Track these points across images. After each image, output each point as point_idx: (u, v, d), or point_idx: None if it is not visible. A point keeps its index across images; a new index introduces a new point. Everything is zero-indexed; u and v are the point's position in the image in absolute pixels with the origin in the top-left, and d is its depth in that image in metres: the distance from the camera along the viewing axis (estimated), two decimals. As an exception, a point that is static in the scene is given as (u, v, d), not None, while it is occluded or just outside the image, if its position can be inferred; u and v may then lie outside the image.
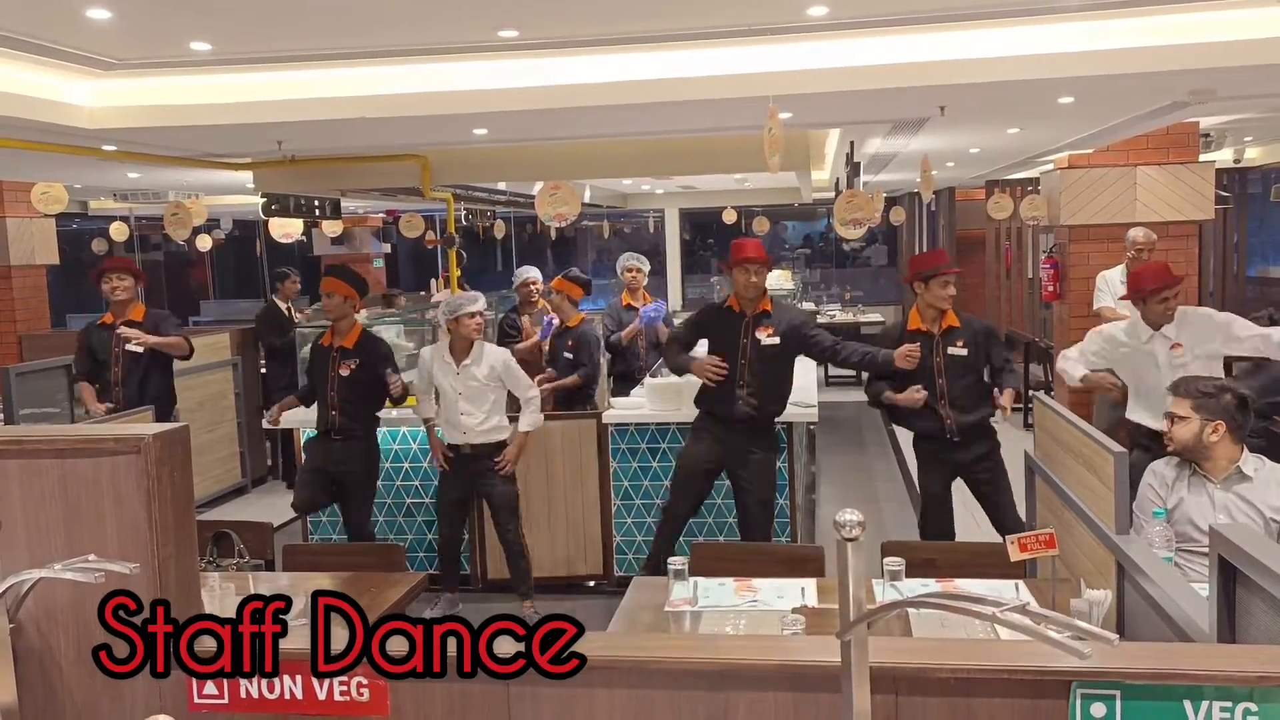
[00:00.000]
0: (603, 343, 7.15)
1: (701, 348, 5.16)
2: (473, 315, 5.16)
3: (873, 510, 7.81)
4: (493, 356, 5.30)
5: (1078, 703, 1.60)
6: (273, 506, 8.09)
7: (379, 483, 6.21)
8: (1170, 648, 1.75)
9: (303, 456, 6.06)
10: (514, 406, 5.56)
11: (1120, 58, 4.12)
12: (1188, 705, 1.57)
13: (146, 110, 4.54)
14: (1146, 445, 4.85)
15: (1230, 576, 2.23)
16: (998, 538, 5.10)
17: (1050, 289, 8.50)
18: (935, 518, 5.05)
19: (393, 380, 5.26)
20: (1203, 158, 8.22)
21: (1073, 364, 5.24)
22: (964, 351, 4.90)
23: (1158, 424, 5.02)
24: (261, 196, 6.56)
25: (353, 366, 5.32)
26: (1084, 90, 4.59)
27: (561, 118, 4.76)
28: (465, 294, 5.35)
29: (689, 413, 5.65)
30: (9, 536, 1.83)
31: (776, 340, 4.87)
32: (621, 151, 6.50)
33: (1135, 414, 5.19)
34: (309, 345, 5.78)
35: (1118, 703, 1.59)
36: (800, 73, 4.14)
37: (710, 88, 4.23)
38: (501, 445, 5.35)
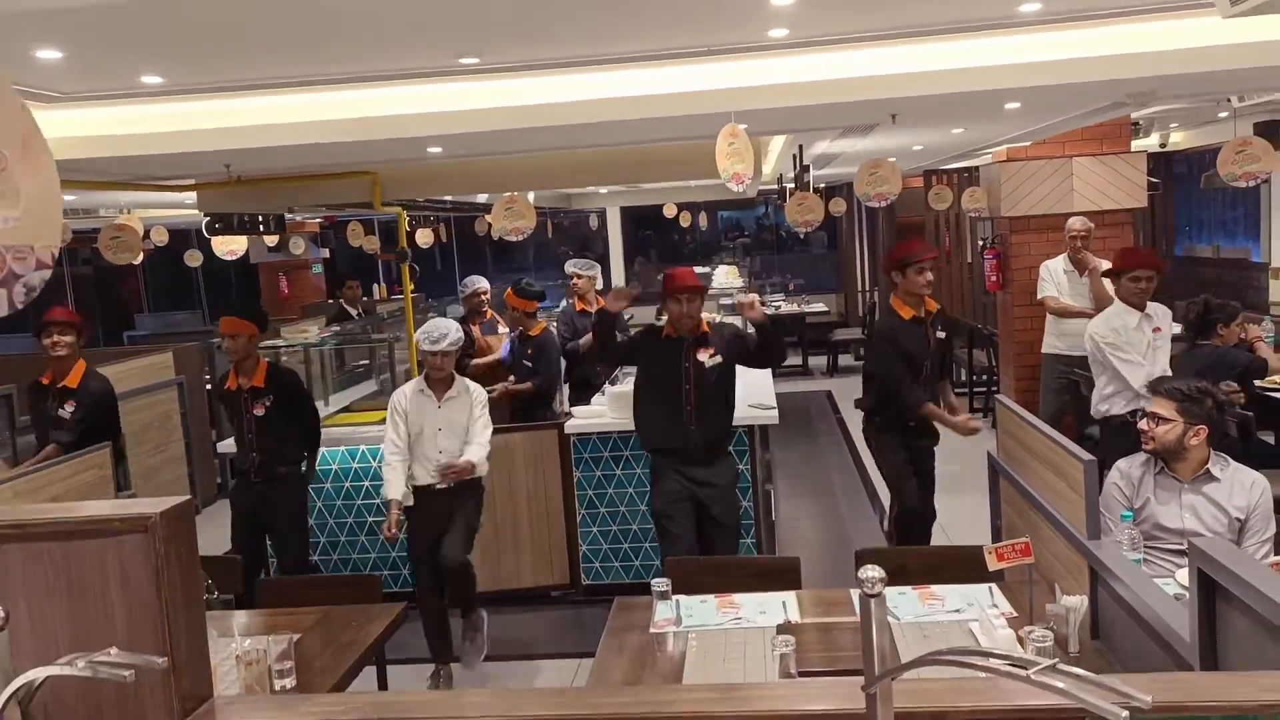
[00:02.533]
0: (560, 350, 7.15)
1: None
2: (433, 354, 4.76)
3: (829, 503, 7.93)
4: (473, 394, 4.95)
5: (1091, 737, 1.67)
6: (227, 527, 7.94)
7: (339, 502, 6.17)
8: (1178, 678, 1.83)
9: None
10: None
11: (1065, 68, 4.23)
12: (1194, 735, 1.64)
13: (92, 141, 4.41)
14: (1124, 445, 4.96)
15: (1210, 589, 2.33)
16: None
17: (993, 279, 8.69)
18: (910, 491, 5.20)
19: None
20: (1133, 145, 8.47)
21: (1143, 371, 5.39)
22: (943, 335, 5.09)
23: (1132, 407, 5.26)
24: (205, 216, 6.42)
25: (267, 404, 5.14)
26: (1030, 97, 4.71)
27: (520, 135, 4.74)
28: (429, 329, 4.82)
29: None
30: (14, 624, 1.79)
31: (720, 359, 4.78)
32: (575, 162, 6.49)
33: (1112, 404, 5.40)
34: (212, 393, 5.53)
35: (1129, 736, 1.66)
36: (758, 89, 4.18)
37: (670, 105, 4.25)
38: (477, 482, 5.02)
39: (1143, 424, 3.66)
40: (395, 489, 4.87)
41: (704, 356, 4.77)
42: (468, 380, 5.08)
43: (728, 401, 4.96)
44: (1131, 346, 5.33)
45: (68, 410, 5.47)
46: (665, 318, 4.92)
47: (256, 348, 5.22)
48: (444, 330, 4.82)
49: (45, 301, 5.76)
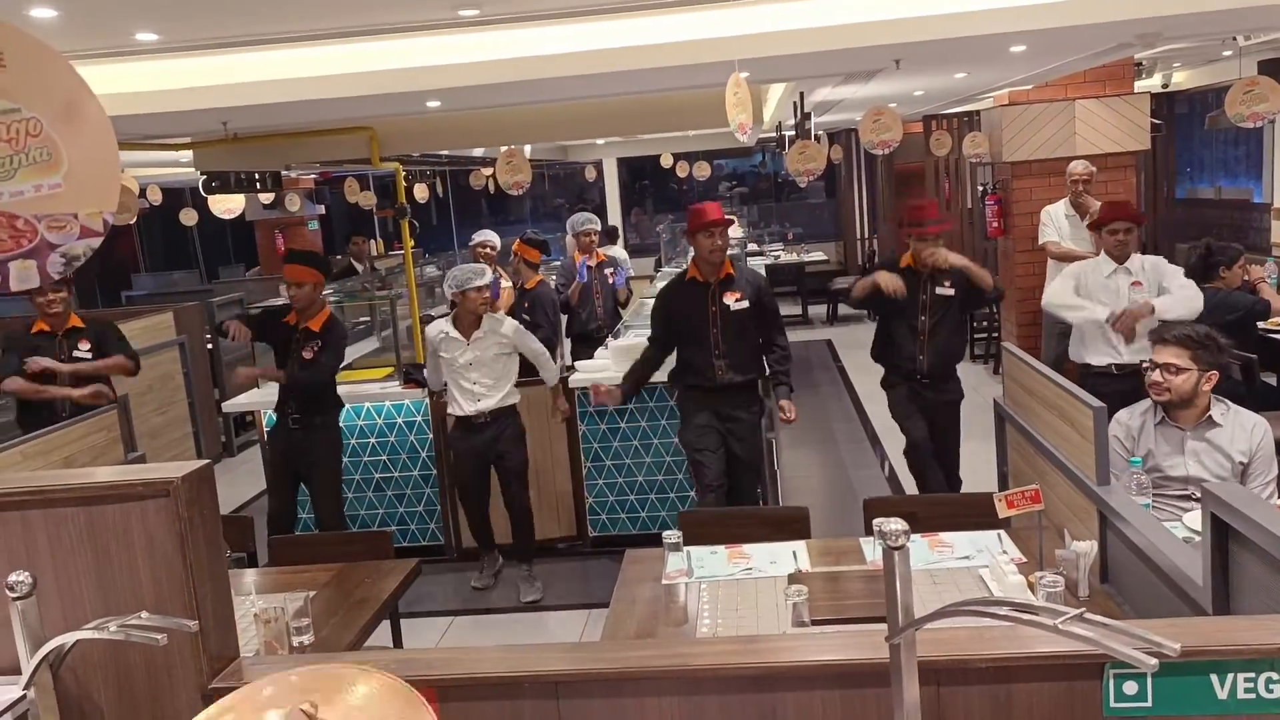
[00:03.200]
0: (557, 303, 7.15)
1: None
2: (480, 289, 5.17)
3: (832, 451, 7.97)
4: (503, 326, 5.35)
5: (1110, 682, 1.69)
6: (234, 485, 8.01)
7: (345, 459, 6.17)
8: (1194, 623, 1.85)
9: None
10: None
11: (1072, 8, 4.16)
12: (1214, 679, 1.66)
13: (87, 100, 4.34)
14: (1104, 390, 4.94)
15: (1222, 532, 2.35)
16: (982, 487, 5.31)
17: (995, 225, 8.65)
18: (922, 457, 5.21)
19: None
20: (1136, 86, 8.38)
21: (1078, 311, 5.34)
22: (951, 291, 5.05)
23: (1107, 360, 5.25)
24: (201, 174, 6.35)
25: (315, 350, 5.17)
26: (1036, 40, 4.65)
27: (520, 88, 4.68)
28: (471, 267, 5.29)
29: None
30: (42, 589, 1.81)
31: (746, 304, 4.87)
32: (574, 114, 6.41)
33: (1085, 353, 5.37)
34: (266, 315, 5.58)
35: (1149, 680, 1.68)
36: (761, 36, 4.12)
37: (672, 54, 4.19)
38: (513, 410, 5.43)
39: (1155, 375, 3.60)
40: (435, 382, 5.67)
41: (730, 300, 4.85)
42: (495, 314, 5.43)
43: (754, 344, 5.04)
44: (1093, 296, 5.26)
45: (84, 349, 5.52)
46: (691, 257, 4.99)
47: (319, 294, 5.23)
48: (482, 267, 5.34)
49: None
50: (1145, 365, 3.68)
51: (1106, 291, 5.26)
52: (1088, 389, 5.10)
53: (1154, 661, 1.22)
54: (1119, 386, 4.84)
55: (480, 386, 5.30)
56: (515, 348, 5.36)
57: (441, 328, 5.35)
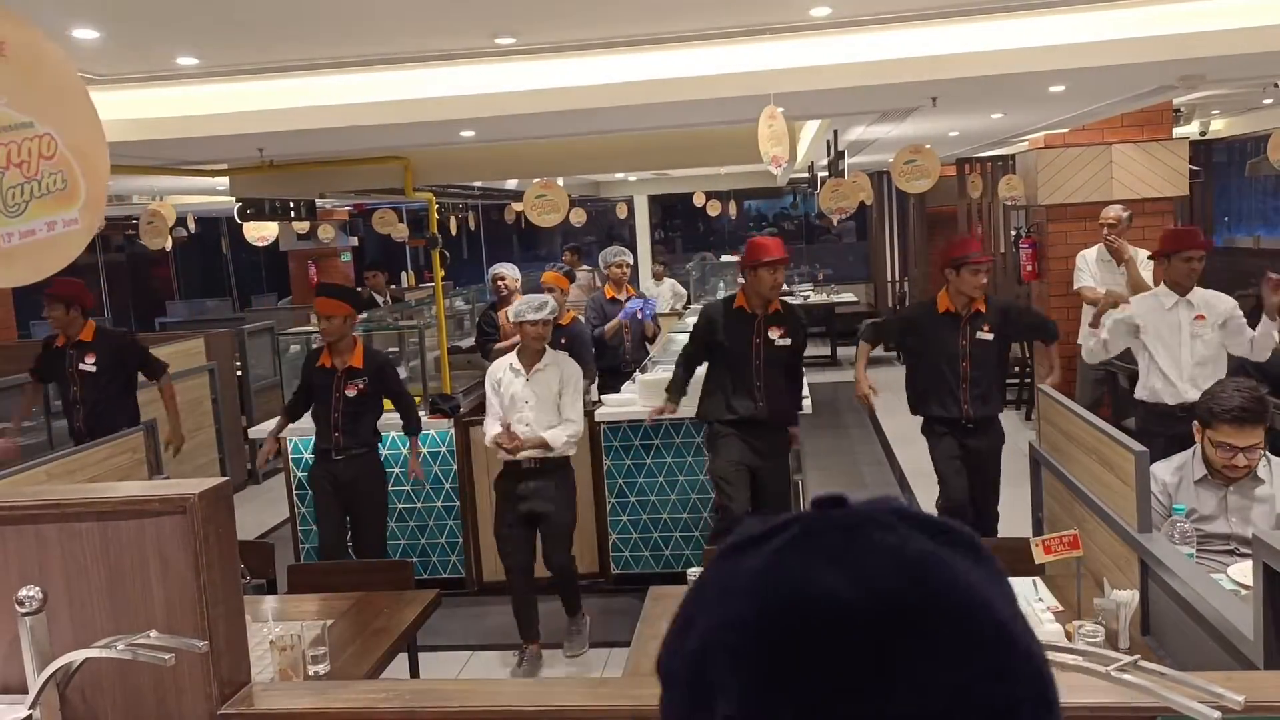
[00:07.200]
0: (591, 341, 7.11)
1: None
2: (534, 323, 4.80)
3: (860, 494, 7.81)
4: (565, 367, 4.96)
5: (1161, 735, 1.60)
6: (259, 513, 7.99)
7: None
8: (1251, 677, 1.75)
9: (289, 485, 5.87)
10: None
11: (1113, 48, 4.12)
12: (1272, 735, 1.57)
13: (126, 124, 4.38)
14: (1157, 431, 4.82)
15: (1275, 584, 2.24)
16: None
17: (1029, 268, 8.56)
18: (954, 489, 5.07)
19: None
20: (1173, 133, 8.30)
21: (1095, 339, 5.29)
22: (990, 336, 4.94)
23: (1173, 399, 5.04)
24: (237, 201, 6.41)
25: (360, 386, 5.07)
26: (1076, 80, 4.60)
27: (554, 119, 4.69)
28: (530, 298, 4.92)
29: (682, 409, 5.60)
30: (52, 605, 1.76)
31: (789, 341, 4.83)
32: (608, 147, 6.42)
33: (1151, 390, 5.17)
34: (302, 365, 5.41)
35: (1202, 735, 1.59)
36: (797, 70, 4.10)
37: (708, 87, 4.18)
38: (565, 462, 4.97)
39: (1239, 459, 3.37)
40: (492, 431, 4.91)
41: (775, 335, 4.79)
42: (563, 354, 5.07)
43: (794, 383, 4.99)
44: (1155, 334, 5.11)
45: (89, 362, 5.57)
46: (740, 286, 4.95)
47: (352, 329, 5.12)
48: (543, 298, 4.89)
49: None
50: (1220, 446, 3.40)
51: (1169, 327, 5.09)
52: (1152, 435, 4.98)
53: (1216, 714, 1.14)
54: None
55: (531, 430, 4.81)
56: (561, 392, 4.90)
57: (507, 362, 4.97)
